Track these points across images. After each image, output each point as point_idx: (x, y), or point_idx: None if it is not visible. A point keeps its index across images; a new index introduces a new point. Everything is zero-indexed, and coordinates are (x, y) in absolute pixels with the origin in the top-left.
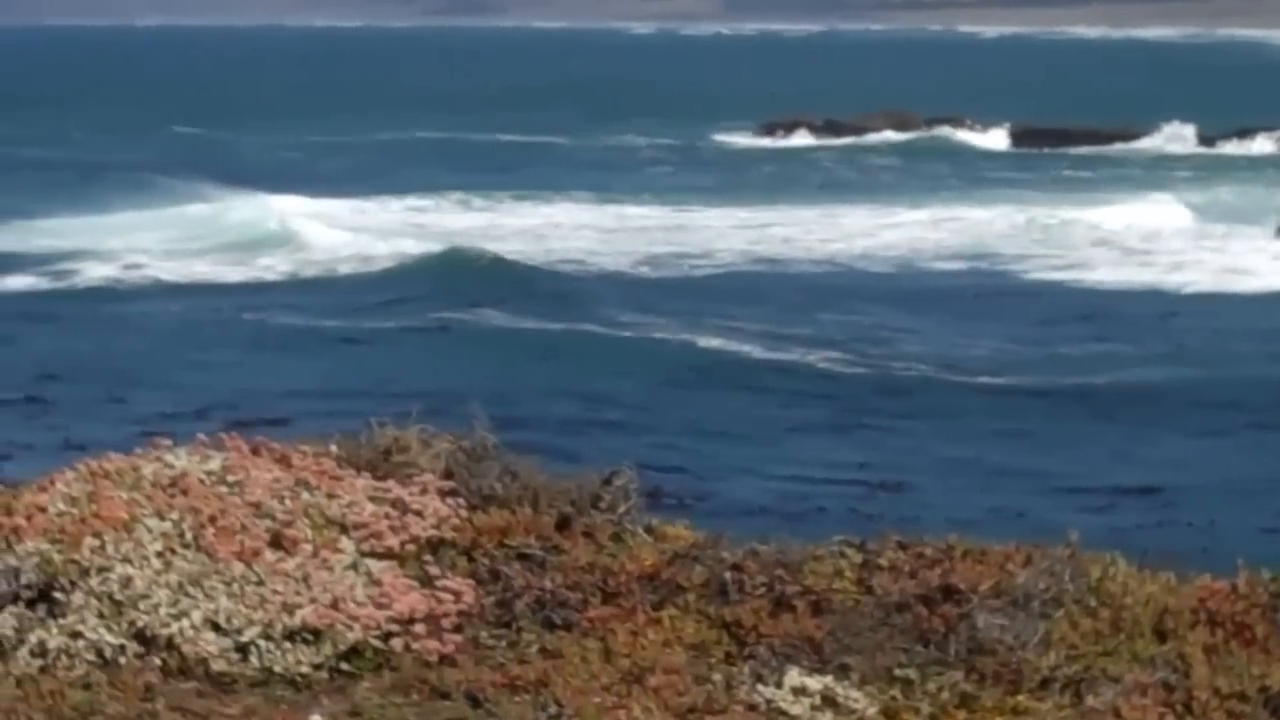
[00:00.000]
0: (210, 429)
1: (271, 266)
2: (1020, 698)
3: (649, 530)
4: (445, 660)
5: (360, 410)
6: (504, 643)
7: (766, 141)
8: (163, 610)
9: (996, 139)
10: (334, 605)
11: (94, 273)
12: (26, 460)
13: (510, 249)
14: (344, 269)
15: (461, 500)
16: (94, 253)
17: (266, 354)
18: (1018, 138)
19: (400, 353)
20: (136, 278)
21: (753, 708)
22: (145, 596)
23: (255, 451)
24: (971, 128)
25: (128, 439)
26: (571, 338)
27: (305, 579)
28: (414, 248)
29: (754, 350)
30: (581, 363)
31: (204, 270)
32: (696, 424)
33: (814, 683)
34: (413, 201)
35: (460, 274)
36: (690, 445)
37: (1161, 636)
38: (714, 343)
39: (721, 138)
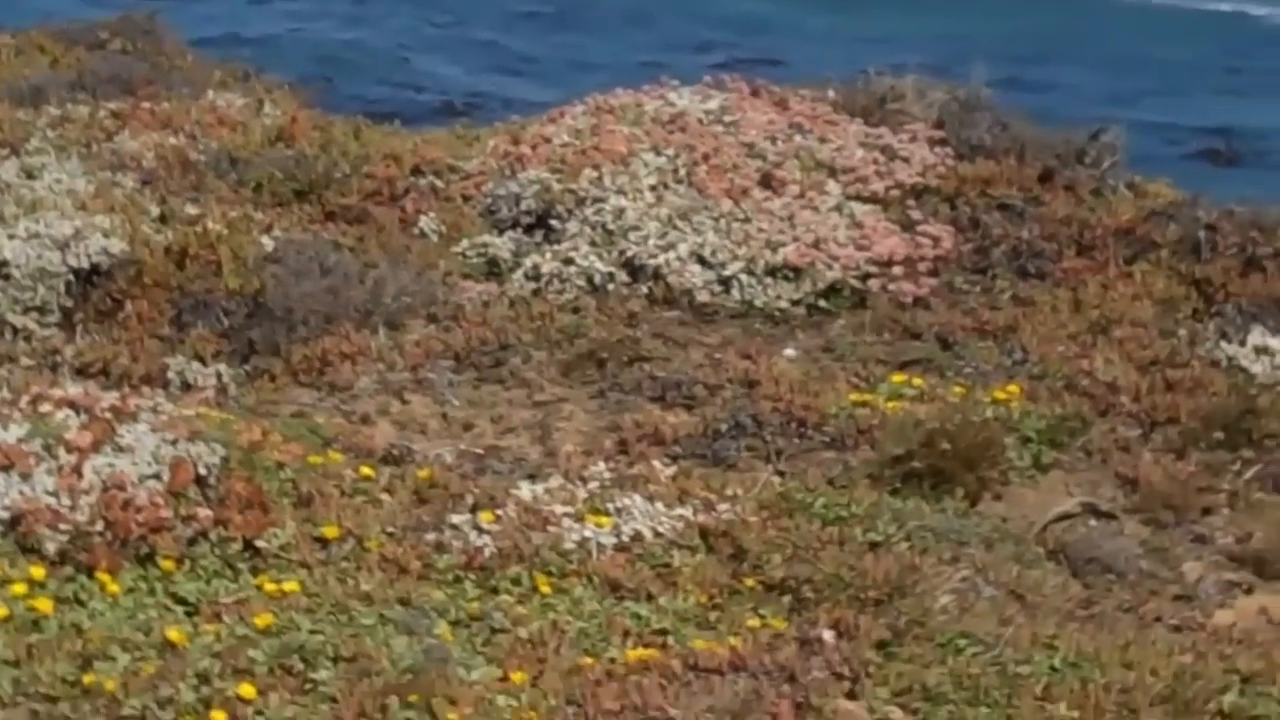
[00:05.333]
0: (707, 62)
1: None
2: None
3: (1130, 186)
4: (919, 302)
5: (867, 58)
6: (978, 289)
7: None
8: (652, 241)
9: None
10: (816, 245)
11: None
12: (537, 78)
13: None
14: None
15: (950, 149)
16: None
17: None
18: None
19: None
20: None
21: (1214, 364)
22: (636, 228)
23: (755, 94)
24: None
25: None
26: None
27: (790, 218)
28: None
29: None
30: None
31: None
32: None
33: (1277, 343)
34: None
35: None
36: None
37: None
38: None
39: None
